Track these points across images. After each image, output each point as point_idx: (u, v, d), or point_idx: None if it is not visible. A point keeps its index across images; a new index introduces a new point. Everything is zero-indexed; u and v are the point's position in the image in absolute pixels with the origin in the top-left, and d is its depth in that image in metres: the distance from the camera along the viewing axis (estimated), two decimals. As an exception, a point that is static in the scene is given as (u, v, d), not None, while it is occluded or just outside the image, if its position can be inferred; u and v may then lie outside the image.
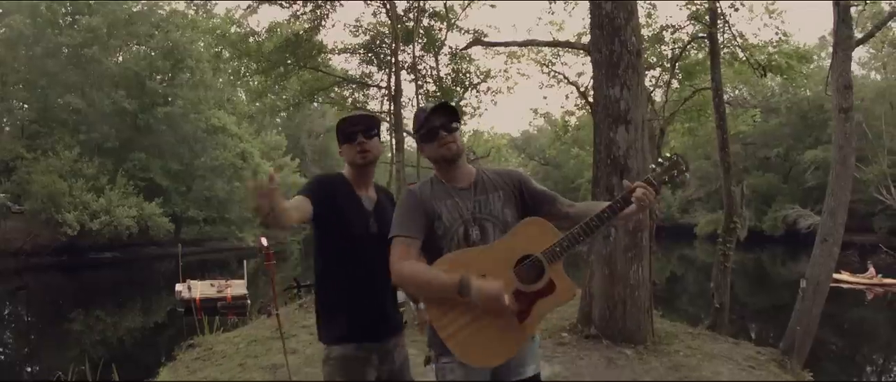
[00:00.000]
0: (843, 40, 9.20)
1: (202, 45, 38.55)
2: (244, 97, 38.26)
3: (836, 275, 24.65)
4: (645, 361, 7.30)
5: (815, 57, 27.34)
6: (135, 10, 39.70)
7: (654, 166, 2.84)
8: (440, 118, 2.89)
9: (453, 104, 2.91)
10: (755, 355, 8.07)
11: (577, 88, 21.84)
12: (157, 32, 39.02)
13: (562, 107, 47.75)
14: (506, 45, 20.84)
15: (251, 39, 21.90)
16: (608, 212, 2.73)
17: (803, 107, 45.89)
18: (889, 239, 37.72)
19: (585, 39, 12.29)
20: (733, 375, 6.92)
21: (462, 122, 2.94)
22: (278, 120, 55.74)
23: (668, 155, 2.83)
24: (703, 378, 6.73)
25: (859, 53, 46.84)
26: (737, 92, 40.25)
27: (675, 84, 20.55)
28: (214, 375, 7.30)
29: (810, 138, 44.67)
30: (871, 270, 25.41)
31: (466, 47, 22.03)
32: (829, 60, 10.28)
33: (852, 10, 10.42)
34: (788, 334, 8.94)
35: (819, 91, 42.91)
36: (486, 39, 21.46)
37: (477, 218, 2.88)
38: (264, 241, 6.02)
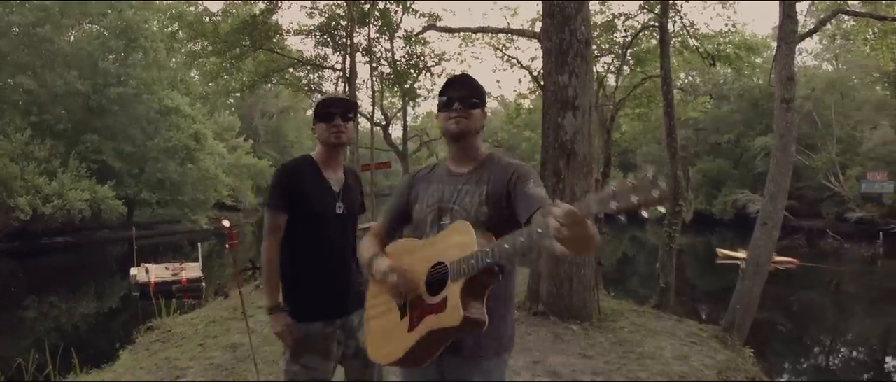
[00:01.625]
0: (787, 34, 9.59)
1: (156, 24, 38.06)
2: (197, 78, 37.89)
3: (734, 254, 27.31)
4: (590, 337, 7.61)
5: (767, 48, 27.85)
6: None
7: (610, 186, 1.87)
8: (461, 91, 2.65)
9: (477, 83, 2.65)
10: (697, 331, 8.42)
11: (530, 73, 22.11)
12: (110, 11, 38.25)
13: (515, 90, 48.01)
14: (460, 30, 21.02)
15: (206, 20, 21.78)
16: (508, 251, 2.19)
17: (755, 94, 46.59)
18: (836, 225, 38.63)
19: (539, 26, 12.49)
20: (675, 350, 7.23)
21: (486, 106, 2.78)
22: (231, 100, 55.14)
23: (644, 175, 1.80)
24: (645, 353, 7.03)
25: (811, 45, 47.99)
26: (689, 79, 40.85)
27: (626, 70, 20.91)
28: (175, 356, 7.36)
29: (761, 125, 45.35)
30: None
31: (421, 32, 22.16)
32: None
33: (805, 4, 10.81)
34: (730, 312, 9.36)
35: (770, 80, 43.80)
36: (440, 24, 21.63)
37: (449, 209, 2.65)
38: (227, 223, 6.07)
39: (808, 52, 49.51)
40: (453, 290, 2.32)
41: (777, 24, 10.14)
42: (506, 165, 2.65)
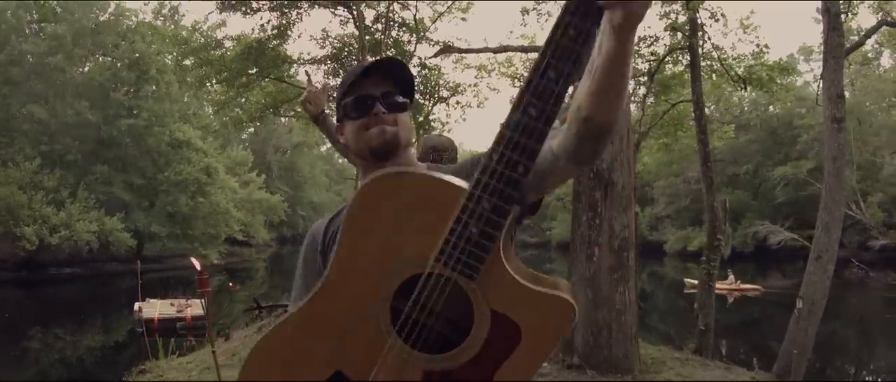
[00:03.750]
0: (834, 48, 8.83)
1: (169, 58, 37.95)
2: (210, 111, 37.67)
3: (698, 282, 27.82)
4: (634, 393, 6.76)
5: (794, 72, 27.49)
6: (101, 19, 38.97)
7: None
8: (383, 84, 1.72)
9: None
10: (749, 381, 7.59)
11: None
12: (123, 43, 38.24)
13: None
14: (478, 51, 20.43)
15: (214, 51, 21.42)
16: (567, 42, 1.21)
17: (773, 123, 46.16)
18: (859, 253, 37.95)
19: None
20: (731, 407, 6.42)
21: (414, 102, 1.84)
22: (245, 136, 54.87)
23: None
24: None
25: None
26: (709, 108, 40.40)
27: (649, 99, 20.26)
28: None
29: (780, 154, 44.96)
30: (731, 277, 28.83)
31: (437, 54, 21.65)
32: (799, 78, 9.99)
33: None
34: (782, 356, 8.50)
35: (788, 107, 43.37)
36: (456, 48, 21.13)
37: None
38: (197, 264, 5.37)
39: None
40: (500, 289, 1.29)
41: (791, 52, 9.46)
42: (458, 169, 1.64)
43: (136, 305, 20.08)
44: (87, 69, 39.85)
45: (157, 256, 38.12)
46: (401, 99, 1.74)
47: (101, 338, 21.03)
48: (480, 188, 1.24)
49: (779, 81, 17.18)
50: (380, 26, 21.92)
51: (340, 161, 57.79)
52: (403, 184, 1.30)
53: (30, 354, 18.00)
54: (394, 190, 1.30)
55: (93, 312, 26.01)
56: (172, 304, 20.05)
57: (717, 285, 28.34)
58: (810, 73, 47.92)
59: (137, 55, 38.00)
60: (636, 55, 18.64)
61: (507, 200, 1.24)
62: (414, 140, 1.88)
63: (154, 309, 19.39)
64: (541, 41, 1.26)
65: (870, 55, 41.34)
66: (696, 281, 28.32)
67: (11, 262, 32.12)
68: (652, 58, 18.14)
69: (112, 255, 35.95)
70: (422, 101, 23.98)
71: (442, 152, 2.90)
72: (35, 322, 22.55)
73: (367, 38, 20.97)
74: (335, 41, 22.63)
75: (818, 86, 11.49)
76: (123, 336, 20.95)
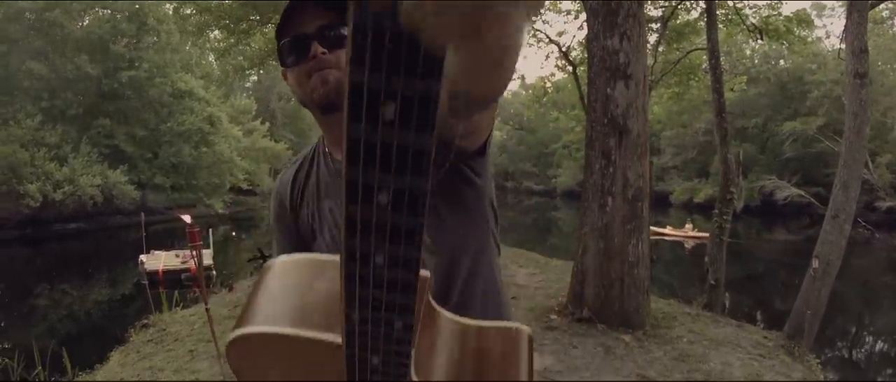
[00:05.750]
0: (858, 1, 8.46)
1: (169, 6, 37.54)
2: (213, 61, 37.34)
3: (660, 230, 29.49)
4: (646, 349, 6.50)
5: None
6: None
7: None
8: (319, 15, 1.39)
9: None
10: (762, 340, 7.37)
11: (559, 47, 21.03)
12: (122, -7, 37.73)
13: (541, 66, 47.61)
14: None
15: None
16: None
17: (783, 78, 45.70)
18: (866, 214, 37.80)
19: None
20: (745, 366, 6.19)
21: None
22: (248, 84, 54.40)
23: None
24: (713, 371, 5.97)
25: (836, 29, 46.91)
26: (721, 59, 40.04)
27: (661, 46, 19.93)
28: (160, 365, 6.64)
29: (789, 109, 44.58)
30: (689, 226, 30.59)
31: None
32: (811, 34, 9.64)
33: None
34: (794, 316, 8.28)
35: (799, 62, 42.89)
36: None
37: None
38: (188, 218, 5.17)
39: (835, 36, 48.67)
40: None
41: (804, 7, 9.07)
42: None
43: (141, 257, 19.96)
44: (86, 23, 39.16)
45: (161, 207, 37.95)
46: (345, 30, 1.25)
47: (108, 292, 20.93)
48: (356, 340, 0.71)
49: (796, 32, 16.83)
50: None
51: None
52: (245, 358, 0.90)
53: (38, 311, 17.90)
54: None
55: (99, 266, 26.04)
56: (177, 255, 19.85)
57: (675, 232, 30.30)
58: (822, 29, 47.32)
59: (137, 6, 37.49)
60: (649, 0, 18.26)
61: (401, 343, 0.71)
62: None
63: (158, 260, 19.21)
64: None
65: (884, 14, 40.66)
66: (660, 228, 29.08)
67: (16, 220, 31.84)
68: (665, 3, 17.77)
69: (117, 208, 35.73)
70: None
71: None
72: (42, 279, 22.43)
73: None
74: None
75: (830, 42, 11.13)
76: (130, 289, 20.78)
